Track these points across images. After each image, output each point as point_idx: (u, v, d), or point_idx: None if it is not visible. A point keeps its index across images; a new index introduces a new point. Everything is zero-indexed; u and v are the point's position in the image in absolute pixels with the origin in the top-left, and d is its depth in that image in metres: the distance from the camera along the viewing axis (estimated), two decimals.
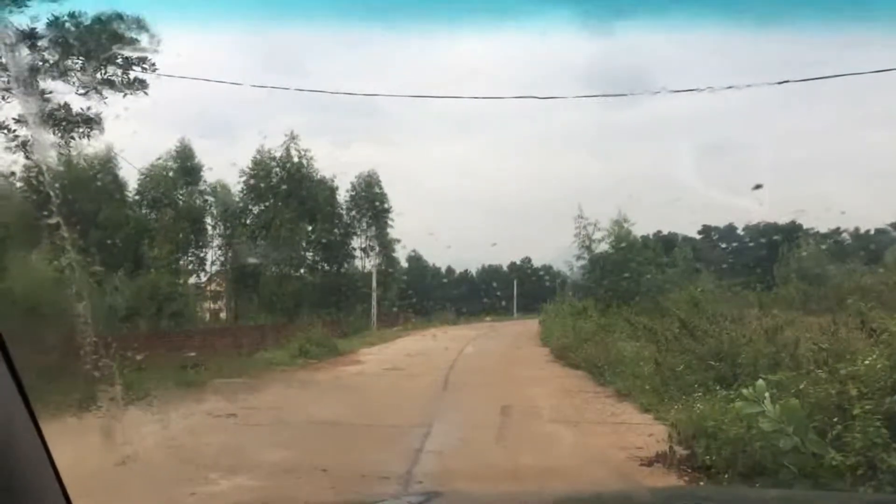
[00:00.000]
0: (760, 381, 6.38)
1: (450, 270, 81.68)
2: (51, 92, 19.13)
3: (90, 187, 29.37)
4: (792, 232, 36.49)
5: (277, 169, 41.31)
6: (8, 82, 18.06)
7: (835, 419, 5.95)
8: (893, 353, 6.51)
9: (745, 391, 6.50)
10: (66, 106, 19.36)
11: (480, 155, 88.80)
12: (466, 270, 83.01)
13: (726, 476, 6.73)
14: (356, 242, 46.42)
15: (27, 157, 20.57)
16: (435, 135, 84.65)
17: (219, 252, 41.86)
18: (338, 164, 59.22)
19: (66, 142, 20.99)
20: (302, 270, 42.39)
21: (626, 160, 66.52)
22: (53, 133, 20.15)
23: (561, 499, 2.68)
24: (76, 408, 10.39)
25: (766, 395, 6.15)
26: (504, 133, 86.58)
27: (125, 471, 7.38)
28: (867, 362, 6.51)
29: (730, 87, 15.34)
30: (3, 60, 18.04)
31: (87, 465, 6.62)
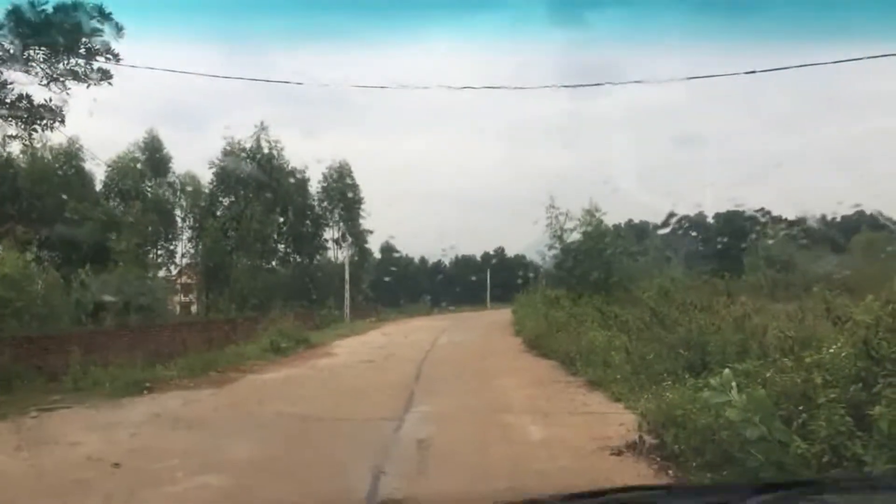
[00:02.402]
0: (727, 371, 6.42)
1: (423, 261, 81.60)
2: (12, 83, 18.73)
3: (54, 180, 28.88)
4: (760, 219, 36.83)
5: (248, 160, 40.93)
6: None
7: (800, 408, 5.99)
8: (858, 341, 6.57)
9: (712, 381, 6.54)
10: (28, 97, 18.95)
11: (453, 145, 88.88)
12: (440, 261, 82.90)
13: (694, 465, 6.79)
14: (328, 234, 46.28)
15: None
16: (406, 125, 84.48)
17: (189, 245, 41.50)
18: (309, 155, 58.99)
19: (28, 134, 20.56)
20: (274, 262, 42.12)
21: (598, 150, 66.97)
22: (15, 125, 19.75)
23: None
24: None
25: (733, 384, 6.20)
26: (476, 123, 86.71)
27: None
28: (832, 350, 6.58)
29: (697, 78, 15.38)
30: None
31: None
